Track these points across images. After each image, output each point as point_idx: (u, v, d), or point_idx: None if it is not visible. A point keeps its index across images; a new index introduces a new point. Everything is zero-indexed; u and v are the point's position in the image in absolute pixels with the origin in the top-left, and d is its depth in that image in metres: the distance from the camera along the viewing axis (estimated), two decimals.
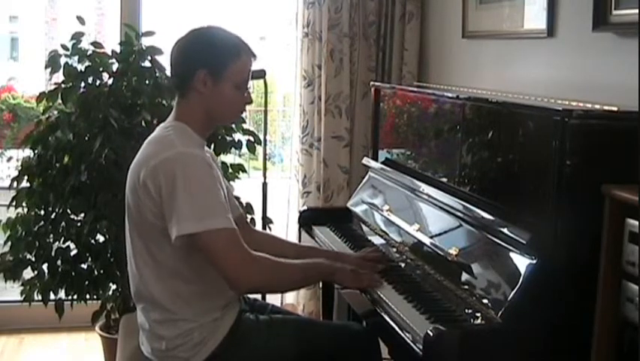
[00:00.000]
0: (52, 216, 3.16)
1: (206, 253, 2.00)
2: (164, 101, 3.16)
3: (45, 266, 3.16)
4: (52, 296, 3.19)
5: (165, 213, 1.99)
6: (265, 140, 3.04)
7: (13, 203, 3.14)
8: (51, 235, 3.16)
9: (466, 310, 2.00)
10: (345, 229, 2.89)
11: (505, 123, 2.16)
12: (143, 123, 3.09)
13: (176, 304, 2.08)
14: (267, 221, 3.01)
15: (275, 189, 3.34)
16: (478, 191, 2.27)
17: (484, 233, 2.13)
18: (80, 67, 3.15)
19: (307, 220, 3.03)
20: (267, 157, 3.05)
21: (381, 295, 2.19)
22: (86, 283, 3.18)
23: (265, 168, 2.96)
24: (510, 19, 2.96)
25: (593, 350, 1.82)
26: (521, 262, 1.92)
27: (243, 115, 3.05)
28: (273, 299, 2.70)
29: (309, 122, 3.80)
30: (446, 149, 2.50)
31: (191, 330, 2.08)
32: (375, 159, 3.11)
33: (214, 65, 2.07)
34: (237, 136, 3.28)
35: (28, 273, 3.20)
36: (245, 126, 3.34)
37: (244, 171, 3.37)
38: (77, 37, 3.15)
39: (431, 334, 1.79)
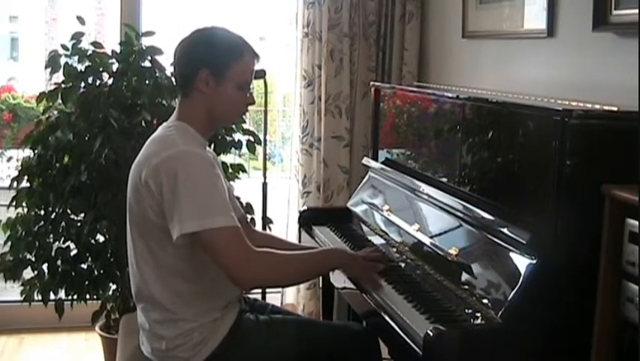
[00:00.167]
0: (52, 216, 3.16)
1: (209, 252, 1.99)
2: (164, 101, 3.16)
3: (45, 266, 3.16)
4: (52, 296, 3.19)
5: (167, 212, 1.98)
6: (265, 140, 3.04)
7: (13, 203, 3.14)
8: (51, 235, 3.16)
9: (466, 311, 1.99)
10: (345, 229, 2.89)
11: (505, 123, 2.16)
12: (143, 123, 3.09)
13: (177, 304, 2.08)
14: (267, 221, 3.01)
15: (275, 189, 3.34)
16: (478, 191, 2.27)
17: (484, 233, 2.13)
18: (80, 67, 3.15)
19: (307, 220, 3.03)
20: (267, 157, 3.05)
21: (382, 295, 2.19)
22: (86, 283, 3.18)
23: (265, 168, 2.96)
24: (510, 19, 2.96)
25: (593, 350, 1.82)
26: (521, 262, 1.92)
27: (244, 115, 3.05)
28: (273, 299, 2.70)
29: (309, 122, 3.80)
30: (446, 149, 2.50)
31: (191, 330, 2.08)
32: (375, 159, 3.11)
33: (216, 65, 2.07)
34: (237, 136, 3.28)
35: (28, 273, 3.19)
36: (245, 126, 3.34)
37: (244, 171, 3.37)
38: (77, 37, 3.15)
39: (431, 334, 1.79)
